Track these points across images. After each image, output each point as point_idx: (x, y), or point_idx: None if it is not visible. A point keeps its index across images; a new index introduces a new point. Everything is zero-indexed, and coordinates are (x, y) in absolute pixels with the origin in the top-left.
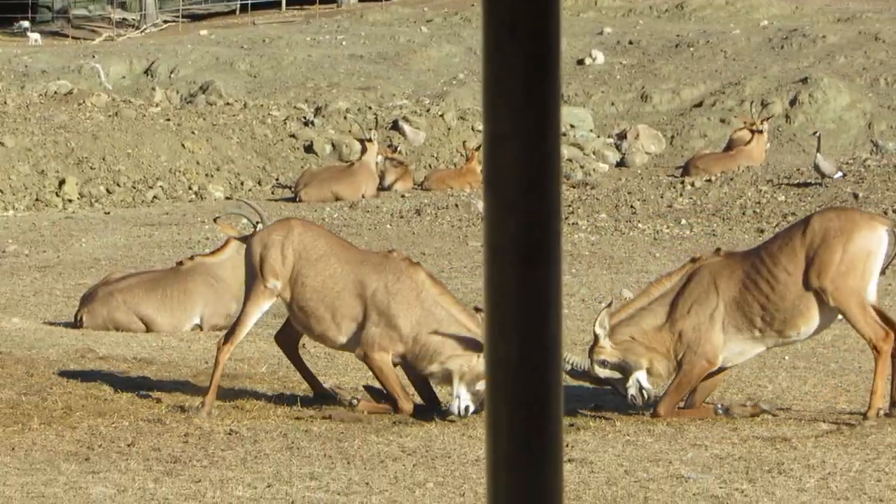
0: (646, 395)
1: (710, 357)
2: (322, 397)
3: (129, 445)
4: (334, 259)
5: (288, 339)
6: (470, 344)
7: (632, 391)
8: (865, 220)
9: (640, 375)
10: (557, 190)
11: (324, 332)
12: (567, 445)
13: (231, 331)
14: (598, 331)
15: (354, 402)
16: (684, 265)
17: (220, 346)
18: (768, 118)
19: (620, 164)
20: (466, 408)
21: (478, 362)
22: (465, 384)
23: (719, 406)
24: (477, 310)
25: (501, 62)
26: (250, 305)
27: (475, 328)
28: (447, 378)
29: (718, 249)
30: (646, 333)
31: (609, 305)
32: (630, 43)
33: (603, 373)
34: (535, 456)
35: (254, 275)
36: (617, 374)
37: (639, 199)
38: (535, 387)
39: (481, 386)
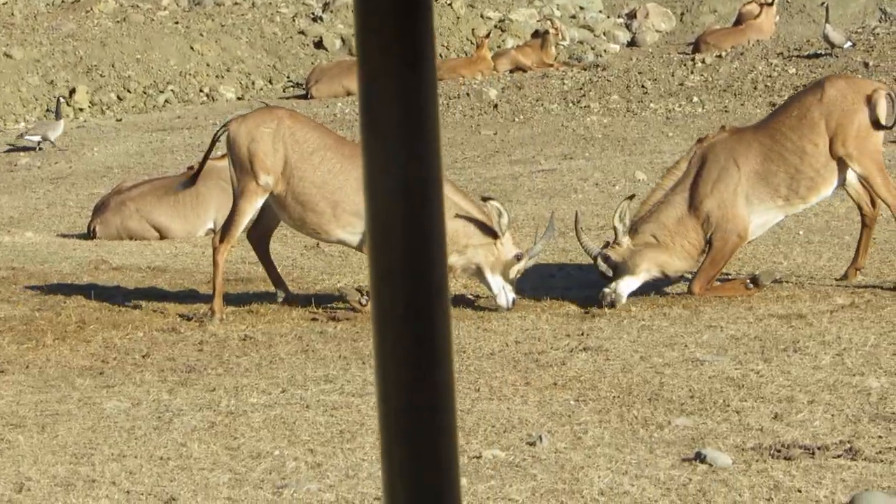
0: (611, 301)
1: (741, 230)
2: (288, 300)
3: (143, 357)
4: (331, 153)
5: (260, 235)
6: (485, 230)
7: (605, 289)
8: (871, 85)
9: (628, 281)
10: (436, 130)
11: (322, 225)
12: (582, 334)
13: (225, 229)
14: (617, 224)
15: (364, 301)
16: (691, 148)
17: (215, 246)
18: None
19: (631, 43)
20: (513, 300)
21: (500, 249)
22: (500, 274)
23: (748, 281)
24: (484, 199)
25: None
26: (243, 203)
27: (482, 216)
28: (474, 271)
29: (724, 126)
30: (667, 228)
31: (630, 197)
32: None
33: (602, 267)
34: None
35: (244, 170)
36: (609, 273)
37: (650, 79)
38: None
39: (514, 272)
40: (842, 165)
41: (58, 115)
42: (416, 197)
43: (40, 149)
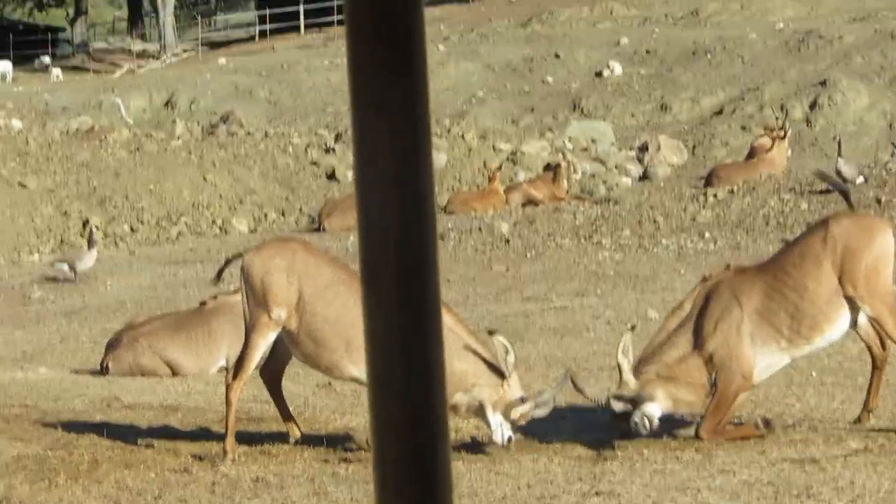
0: (648, 425)
1: (746, 372)
2: (299, 440)
3: (155, 498)
4: (344, 287)
5: (273, 372)
6: (492, 370)
7: (635, 418)
8: (878, 223)
9: (651, 406)
10: (435, 279)
11: (336, 363)
12: (594, 477)
13: (238, 367)
14: (622, 360)
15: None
16: (695, 288)
17: (228, 384)
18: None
19: (643, 176)
20: (509, 438)
21: (506, 389)
22: (501, 413)
23: (759, 422)
24: (490, 333)
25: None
26: (256, 337)
27: (490, 356)
28: (477, 410)
29: (728, 265)
30: (669, 367)
31: (632, 329)
32: (647, 52)
33: (618, 406)
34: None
35: (257, 303)
36: (628, 407)
37: (661, 214)
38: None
39: (515, 413)
40: (851, 305)
41: (90, 245)
42: (415, 343)
43: (71, 280)
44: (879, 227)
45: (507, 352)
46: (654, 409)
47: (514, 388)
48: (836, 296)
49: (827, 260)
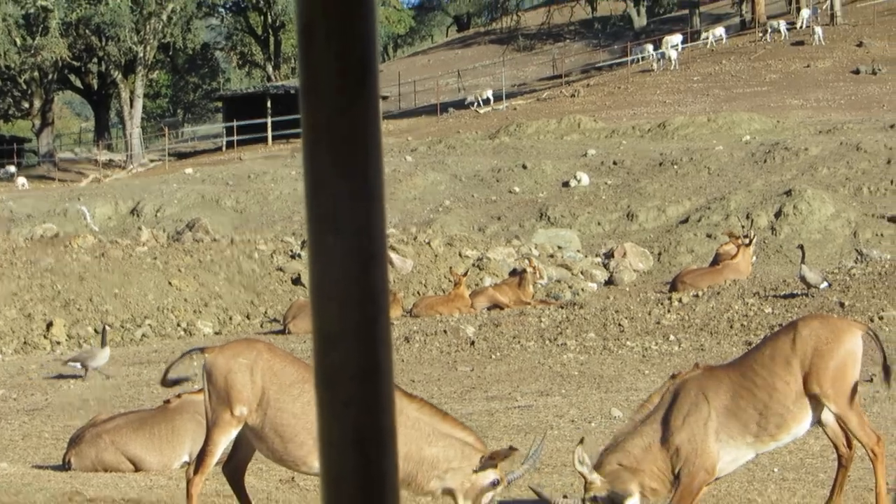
0: None
1: (709, 467)
2: None
3: None
4: (309, 385)
5: (235, 468)
6: (464, 454)
7: None
8: (847, 325)
9: (633, 501)
10: (390, 384)
11: (302, 457)
12: None
13: (199, 461)
14: (581, 468)
15: None
16: (665, 384)
17: (189, 478)
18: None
19: (609, 282)
20: None
21: (477, 474)
22: (472, 500)
23: None
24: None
25: (326, 258)
26: (217, 434)
27: (464, 436)
28: (450, 495)
29: (697, 364)
30: (634, 456)
31: (581, 441)
32: (614, 163)
33: None
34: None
35: (219, 400)
36: None
37: (627, 317)
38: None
39: (486, 498)
40: (815, 404)
41: (103, 343)
42: (370, 447)
43: (82, 377)
44: (848, 329)
45: (486, 459)
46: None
47: (487, 473)
48: (803, 395)
49: (796, 360)
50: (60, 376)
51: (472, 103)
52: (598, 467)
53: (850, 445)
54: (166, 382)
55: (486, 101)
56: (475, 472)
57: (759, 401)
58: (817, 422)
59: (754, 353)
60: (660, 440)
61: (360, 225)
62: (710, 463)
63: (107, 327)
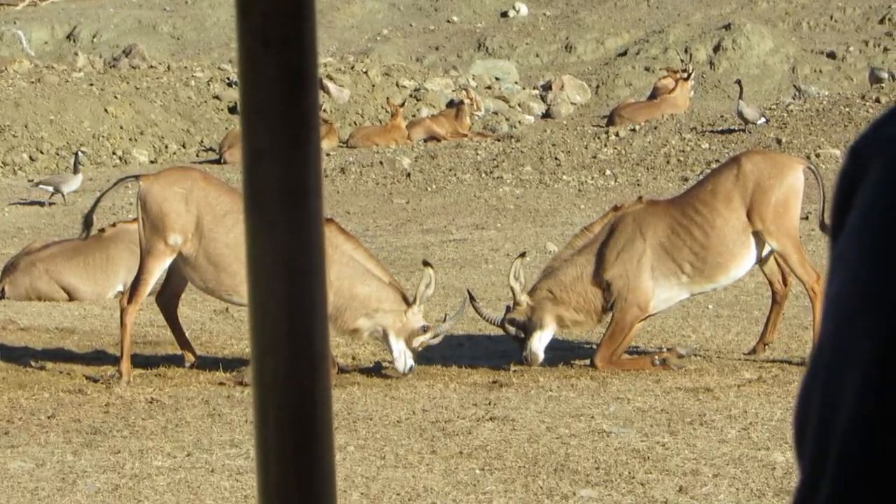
0: (533, 358)
1: (642, 303)
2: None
3: (49, 417)
4: (243, 216)
5: (169, 298)
6: (396, 296)
7: (525, 352)
8: (789, 160)
9: (538, 336)
10: (319, 205)
11: (235, 287)
12: (489, 403)
13: (133, 290)
14: (514, 283)
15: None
16: (606, 214)
17: (123, 307)
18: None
19: (546, 115)
20: (411, 367)
21: (409, 317)
22: (403, 340)
23: (656, 357)
24: (425, 264)
25: (256, 77)
26: (151, 261)
27: (393, 283)
28: (380, 335)
29: (640, 197)
30: (564, 285)
31: (522, 255)
32: None
33: (511, 330)
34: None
35: (154, 229)
36: (521, 334)
37: (563, 151)
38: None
39: (417, 342)
40: (757, 242)
41: (76, 170)
42: (297, 268)
43: (51, 203)
44: (790, 165)
45: (428, 285)
46: (539, 343)
47: (417, 317)
48: (743, 234)
49: (737, 196)
50: (32, 202)
51: None
52: (530, 291)
53: (785, 283)
54: (88, 219)
55: None
56: (405, 314)
57: (695, 240)
58: (757, 262)
59: (696, 189)
60: (592, 273)
61: (289, 38)
62: (644, 299)
63: (80, 153)
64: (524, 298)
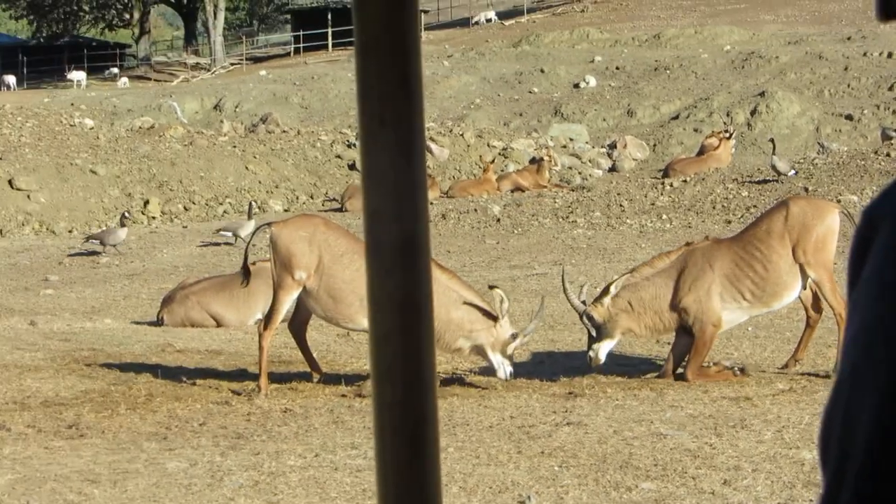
0: (596, 361)
1: (716, 322)
2: (321, 379)
3: (200, 425)
4: (357, 256)
5: (298, 325)
6: (486, 315)
7: (590, 353)
8: (828, 205)
9: (607, 344)
10: (427, 255)
11: (351, 315)
12: (566, 411)
13: (268, 318)
14: (612, 289)
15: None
16: (680, 248)
17: (260, 332)
18: (731, 131)
19: (612, 169)
20: (511, 373)
21: (499, 330)
22: (499, 352)
23: (736, 368)
24: (490, 287)
25: (374, 149)
26: (282, 294)
27: (483, 304)
28: (479, 351)
29: (707, 236)
30: (643, 301)
31: (631, 272)
32: (617, 68)
33: (586, 324)
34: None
35: (283, 266)
36: (593, 332)
37: (627, 199)
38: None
39: (510, 349)
40: (802, 274)
41: (249, 216)
42: (409, 307)
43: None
44: (829, 208)
45: (502, 301)
46: (605, 348)
47: (505, 328)
48: (794, 267)
49: (787, 234)
50: (213, 244)
51: (476, 22)
52: (615, 297)
53: (818, 310)
54: (246, 270)
55: (489, 20)
56: (495, 328)
57: (755, 272)
58: (804, 289)
59: (752, 229)
60: (670, 298)
61: (401, 118)
62: (716, 318)
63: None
64: (607, 301)
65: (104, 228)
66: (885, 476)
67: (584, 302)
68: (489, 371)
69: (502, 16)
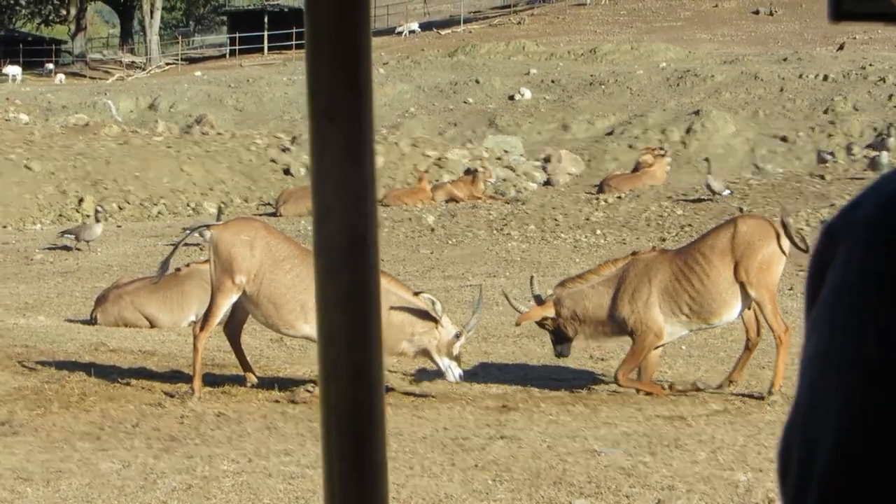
0: (563, 356)
1: (657, 331)
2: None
3: (134, 426)
4: (298, 261)
5: (234, 328)
6: (427, 317)
7: (556, 349)
8: (777, 227)
9: (566, 345)
10: (376, 254)
11: (291, 322)
12: (500, 424)
13: (204, 320)
14: (548, 298)
15: (311, 388)
16: (627, 256)
17: (195, 334)
18: (665, 149)
19: (546, 183)
20: (460, 375)
21: (441, 332)
22: (445, 355)
23: (665, 384)
24: (416, 294)
25: (324, 146)
26: (220, 298)
27: (422, 306)
28: (425, 354)
29: (654, 247)
30: (586, 311)
31: (578, 278)
32: (552, 82)
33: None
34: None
35: (223, 270)
36: (552, 337)
37: (561, 213)
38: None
39: (456, 348)
40: (743, 293)
41: (97, 219)
42: (356, 306)
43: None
44: (778, 230)
45: (433, 303)
46: (567, 348)
47: (448, 329)
48: (734, 285)
49: (730, 252)
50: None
51: (400, 32)
52: (557, 304)
53: (759, 333)
54: (165, 264)
55: (412, 32)
56: (437, 330)
57: (692, 286)
58: (747, 308)
59: (698, 243)
60: (608, 307)
61: (349, 114)
62: (657, 328)
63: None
64: (551, 308)
65: (80, 223)
66: (847, 497)
67: (538, 296)
68: (428, 376)
69: (438, 25)
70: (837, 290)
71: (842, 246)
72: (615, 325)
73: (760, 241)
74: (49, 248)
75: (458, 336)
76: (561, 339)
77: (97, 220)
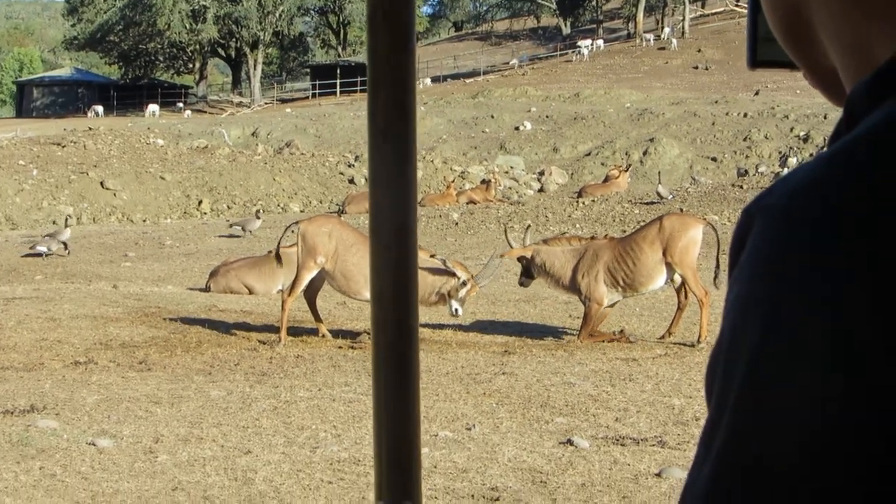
0: (522, 285)
1: (599, 300)
2: (325, 335)
3: (235, 364)
4: (362, 246)
5: (311, 294)
6: (444, 273)
7: (520, 281)
8: (693, 220)
9: (529, 280)
10: (415, 238)
11: (358, 290)
12: (503, 364)
13: (291, 288)
14: (521, 243)
15: (365, 337)
16: (588, 238)
17: (284, 298)
18: (628, 167)
19: (541, 190)
20: (457, 310)
21: (453, 281)
22: (456, 299)
23: (617, 333)
24: (431, 256)
25: (379, 158)
26: (304, 273)
27: (438, 264)
28: (442, 300)
29: (606, 234)
30: (553, 268)
31: (552, 240)
32: (547, 117)
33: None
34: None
35: (307, 252)
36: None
37: (551, 212)
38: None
39: (462, 293)
40: (668, 271)
41: (258, 216)
42: (401, 275)
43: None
44: (693, 223)
45: (444, 262)
46: (528, 283)
47: (459, 277)
48: (659, 264)
49: (658, 240)
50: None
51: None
52: (535, 252)
53: (686, 296)
54: (278, 254)
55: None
56: (454, 280)
57: (628, 266)
58: (670, 282)
59: (634, 235)
60: (570, 274)
61: (401, 136)
62: (600, 297)
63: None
64: (528, 255)
65: (245, 217)
66: (754, 425)
67: (524, 241)
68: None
69: (464, 75)
70: (750, 253)
71: (756, 222)
72: (570, 286)
73: (679, 231)
74: (220, 237)
75: (464, 283)
76: (528, 275)
77: (257, 217)
